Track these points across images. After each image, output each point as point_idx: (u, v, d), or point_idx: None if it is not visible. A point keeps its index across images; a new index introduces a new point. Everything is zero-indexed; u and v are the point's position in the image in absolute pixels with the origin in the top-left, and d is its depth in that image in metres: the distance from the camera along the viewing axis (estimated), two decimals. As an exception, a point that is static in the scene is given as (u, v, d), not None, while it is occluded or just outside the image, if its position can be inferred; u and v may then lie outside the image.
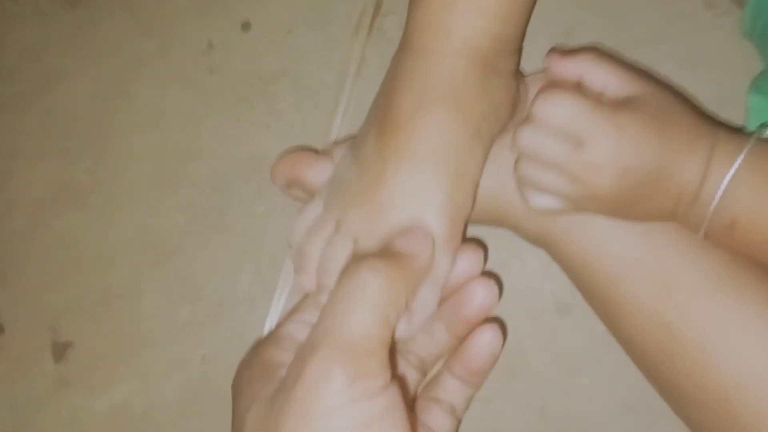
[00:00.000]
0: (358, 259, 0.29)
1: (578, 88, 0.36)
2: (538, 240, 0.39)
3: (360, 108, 0.46)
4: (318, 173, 0.39)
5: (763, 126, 0.36)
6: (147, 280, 0.47)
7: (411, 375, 0.34)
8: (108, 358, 0.46)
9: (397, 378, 0.29)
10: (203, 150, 0.48)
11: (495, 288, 0.33)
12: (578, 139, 0.33)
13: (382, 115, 0.35)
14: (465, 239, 0.34)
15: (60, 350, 0.47)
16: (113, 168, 0.49)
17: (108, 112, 0.50)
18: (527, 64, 0.41)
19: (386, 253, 0.30)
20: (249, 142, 0.48)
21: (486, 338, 0.33)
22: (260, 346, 0.37)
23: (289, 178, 0.40)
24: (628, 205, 0.34)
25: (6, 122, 0.51)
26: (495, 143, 0.37)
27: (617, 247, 0.36)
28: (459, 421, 0.34)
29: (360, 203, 0.34)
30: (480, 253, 0.33)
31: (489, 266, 0.44)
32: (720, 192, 0.33)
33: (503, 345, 0.34)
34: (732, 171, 0.32)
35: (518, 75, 0.38)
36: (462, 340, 0.34)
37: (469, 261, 0.33)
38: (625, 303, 0.36)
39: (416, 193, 0.33)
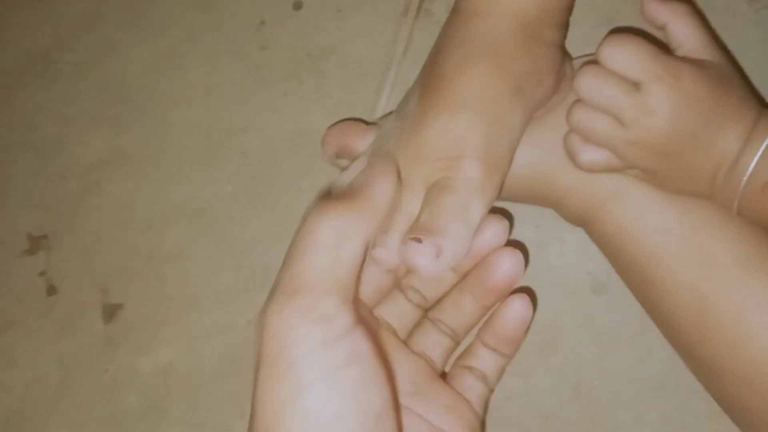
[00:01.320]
0: (312, 204, 0.28)
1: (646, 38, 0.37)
2: (578, 217, 0.40)
3: (406, 86, 0.47)
4: (367, 143, 0.40)
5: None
6: (194, 246, 0.48)
7: (443, 343, 0.35)
8: (155, 320, 0.48)
9: (368, 323, 0.28)
10: (252, 123, 0.50)
11: (521, 257, 0.33)
12: (637, 83, 0.34)
13: (426, 72, 0.37)
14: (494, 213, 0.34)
15: (110, 311, 0.49)
16: (164, 137, 0.50)
17: (161, 83, 0.51)
18: (571, 50, 0.42)
19: (342, 193, 0.29)
20: (296, 117, 0.49)
21: (515, 307, 0.33)
22: None
23: (338, 148, 0.41)
24: (672, 161, 0.35)
25: (62, 90, 0.52)
26: (539, 121, 0.38)
27: (656, 222, 0.37)
28: (491, 391, 0.35)
29: (400, 153, 0.35)
30: (505, 223, 0.33)
31: (528, 245, 0.45)
32: (758, 155, 0.34)
33: (533, 315, 0.34)
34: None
35: (566, 52, 0.39)
36: (489, 309, 0.34)
37: (494, 231, 0.33)
38: (662, 277, 0.37)
39: (453, 136, 0.33)
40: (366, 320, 0.27)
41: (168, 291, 0.48)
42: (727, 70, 0.36)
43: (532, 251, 0.45)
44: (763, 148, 0.34)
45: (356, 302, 0.26)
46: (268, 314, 0.25)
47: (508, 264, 0.33)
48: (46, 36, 0.53)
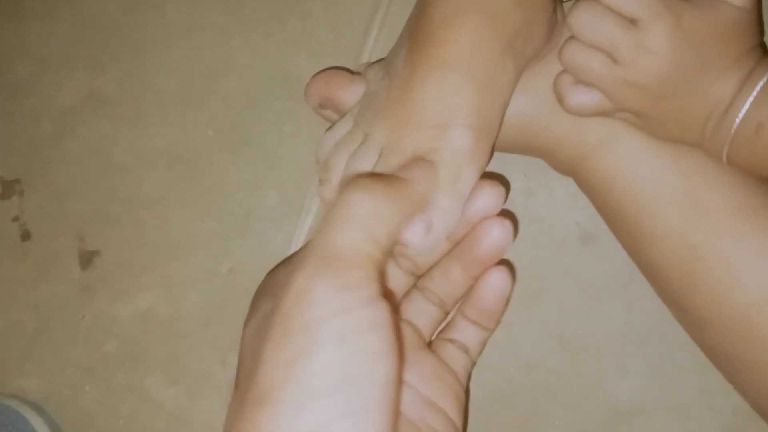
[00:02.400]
0: (353, 178, 0.29)
1: None
2: (568, 166, 0.39)
3: (394, 30, 0.46)
4: (352, 94, 0.38)
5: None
6: (174, 192, 0.47)
7: (431, 312, 0.34)
8: (134, 267, 0.47)
9: (392, 300, 0.29)
10: (233, 65, 0.48)
11: (510, 227, 0.32)
12: (633, 19, 0.33)
13: (413, 27, 0.35)
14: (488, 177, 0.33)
15: (86, 258, 0.47)
16: (142, 79, 0.48)
17: (139, 23, 0.49)
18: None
19: (384, 176, 0.30)
20: (280, 59, 0.48)
21: (494, 280, 0.33)
22: (277, 266, 0.38)
23: (322, 98, 0.40)
24: (665, 104, 0.34)
25: (35, 28, 0.50)
26: (530, 69, 0.37)
27: (647, 170, 0.36)
28: (473, 363, 0.34)
29: (387, 115, 0.34)
30: (500, 190, 0.32)
31: (517, 194, 0.44)
32: (752, 97, 0.33)
33: (513, 287, 0.33)
34: (763, 80, 0.33)
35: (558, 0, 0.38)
36: (477, 279, 0.33)
37: (488, 197, 0.32)
38: (651, 226, 0.37)
39: (443, 101, 0.32)
40: (388, 295, 0.27)
41: (147, 237, 0.47)
42: (744, 17, 0.34)
43: (520, 201, 0.44)
44: (756, 90, 0.33)
45: (382, 279, 0.26)
46: (298, 274, 0.25)
47: (495, 234, 0.32)
48: (18, -29, 0.51)
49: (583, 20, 0.34)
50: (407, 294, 0.35)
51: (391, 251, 0.28)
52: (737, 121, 0.34)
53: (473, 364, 0.34)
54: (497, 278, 0.32)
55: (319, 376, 0.23)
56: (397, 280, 0.34)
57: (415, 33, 0.35)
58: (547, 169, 0.41)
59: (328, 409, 0.23)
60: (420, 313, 0.34)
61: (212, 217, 0.47)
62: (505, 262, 0.33)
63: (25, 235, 0.48)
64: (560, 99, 0.36)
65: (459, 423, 0.32)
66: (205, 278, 0.46)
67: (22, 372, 0.47)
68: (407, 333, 0.33)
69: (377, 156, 0.34)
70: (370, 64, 0.42)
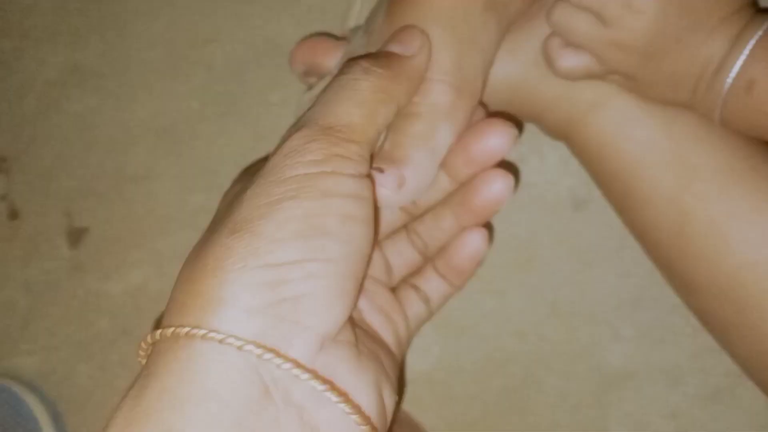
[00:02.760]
0: (352, 59, 0.29)
1: None
2: (559, 130, 0.38)
3: (380, -6, 0.45)
4: (337, 60, 0.38)
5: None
6: (160, 165, 0.47)
7: (411, 256, 0.34)
8: (123, 242, 0.47)
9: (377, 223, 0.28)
10: (217, 34, 0.47)
11: (511, 182, 0.31)
12: None
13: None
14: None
15: (75, 235, 0.47)
16: (126, 51, 0.48)
17: (119, -7, 0.48)
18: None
19: (380, 54, 0.30)
20: (264, 26, 0.47)
21: (471, 239, 0.32)
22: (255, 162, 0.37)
23: (307, 65, 0.39)
24: (654, 64, 0.34)
25: (16, 2, 0.49)
26: (518, 31, 0.36)
27: (637, 133, 0.36)
28: (431, 314, 0.34)
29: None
30: (513, 132, 0.31)
31: (506, 160, 0.44)
32: (743, 54, 0.32)
33: (489, 248, 0.33)
34: (755, 38, 0.32)
35: None
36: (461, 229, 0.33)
37: (500, 136, 0.31)
38: (643, 190, 0.36)
39: None
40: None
41: (135, 213, 0.47)
42: None
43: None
44: (747, 49, 0.32)
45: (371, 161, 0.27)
46: (293, 135, 0.26)
47: (496, 187, 0.31)
48: (-7, -58, 0.49)
49: None
50: (395, 231, 0.34)
51: (384, 131, 0.28)
52: (729, 80, 0.33)
53: (430, 315, 0.34)
54: (475, 238, 0.32)
55: (297, 219, 0.24)
56: (391, 216, 0.34)
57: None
58: (538, 135, 0.40)
59: (299, 249, 0.23)
60: (398, 254, 0.34)
61: (200, 191, 0.46)
62: (487, 226, 0.32)
63: (13, 214, 0.48)
64: (549, 62, 0.36)
65: (391, 355, 0.31)
66: (196, 252, 0.46)
67: (16, 350, 0.47)
68: (379, 266, 0.33)
69: None
70: (355, 29, 0.41)
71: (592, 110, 0.37)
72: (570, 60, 0.35)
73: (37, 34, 0.49)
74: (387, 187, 0.29)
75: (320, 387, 0.23)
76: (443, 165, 0.32)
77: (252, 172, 0.29)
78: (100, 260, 0.47)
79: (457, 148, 0.31)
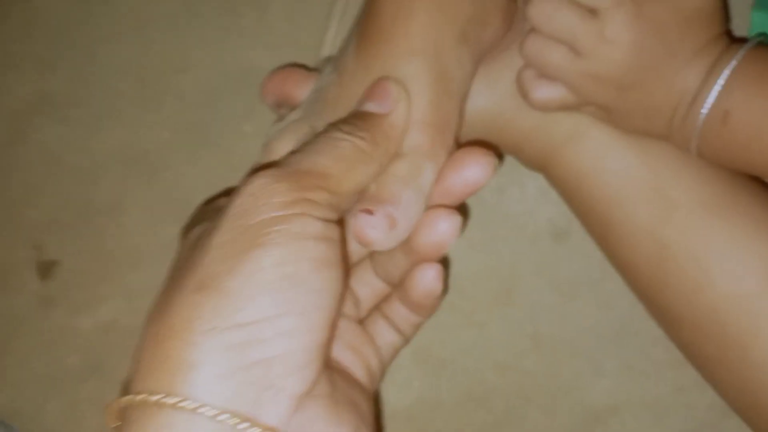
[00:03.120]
0: (331, 124, 0.28)
1: None
2: (536, 162, 0.38)
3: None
4: (308, 91, 0.37)
5: (762, 35, 0.35)
6: (131, 197, 0.46)
7: (377, 285, 0.33)
8: (93, 276, 0.45)
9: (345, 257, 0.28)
10: (189, 61, 0.46)
11: (458, 224, 0.30)
12: (593, 9, 0.32)
13: (362, 21, 0.33)
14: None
15: (44, 268, 0.46)
16: (94, 78, 0.46)
17: (88, 19, 0.47)
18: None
19: (357, 116, 0.29)
20: (237, 54, 0.46)
21: (425, 278, 0.30)
22: (212, 198, 0.37)
23: (279, 96, 0.38)
24: (629, 95, 0.33)
25: (-21, 28, 0.48)
26: (493, 62, 0.36)
27: (615, 165, 0.35)
28: (406, 341, 0.33)
29: (335, 110, 0.32)
30: (493, 161, 0.30)
31: (488, 190, 0.43)
32: (717, 86, 0.32)
33: (446, 289, 0.32)
34: (730, 68, 0.32)
35: None
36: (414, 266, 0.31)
37: (479, 167, 0.30)
38: (622, 222, 0.36)
39: None
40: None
41: (106, 245, 0.45)
42: (708, 5, 0.33)
43: (491, 197, 0.43)
44: (722, 79, 0.32)
45: (341, 222, 0.27)
46: (259, 175, 0.25)
47: (442, 227, 0.30)
48: (-44, -32, 0.48)
49: (541, 11, 0.33)
50: (359, 261, 0.33)
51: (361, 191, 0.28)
52: (704, 111, 0.33)
53: (405, 342, 0.33)
54: (428, 276, 0.30)
55: (267, 271, 0.23)
56: (355, 247, 0.32)
57: (364, 28, 0.33)
58: (517, 165, 0.39)
59: (270, 305, 0.23)
60: (364, 284, 0.33)
61: (171, 223, 0.45)
62: (443, 260, 0.31)
63: (-20, 247, 0.46)
64: (524, 94, 0.35)
65: (365, 393, 0.30)
66: (168, 286, 0.45)
67: (-17, 387, 0.46)
68: (346, 300, 0.32)
69: None
70: (328, 59, 0.40)
71: (568, 142, 0.36)
72: (544, 91, 0.34)
73: (2, 62, 0.48)
74: (377, 229, 0.28)
75: None
76: None
77: (213, 208, 0.28)
78: (70, 294, 0.45)
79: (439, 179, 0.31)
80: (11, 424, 0.45)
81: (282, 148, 0.33)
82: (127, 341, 0.45)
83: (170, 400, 0.22)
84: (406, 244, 0.31)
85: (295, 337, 0.23)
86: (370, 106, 0.29)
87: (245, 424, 0.22)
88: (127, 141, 0.46)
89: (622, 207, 0.36)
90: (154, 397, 0.22)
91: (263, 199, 0.24)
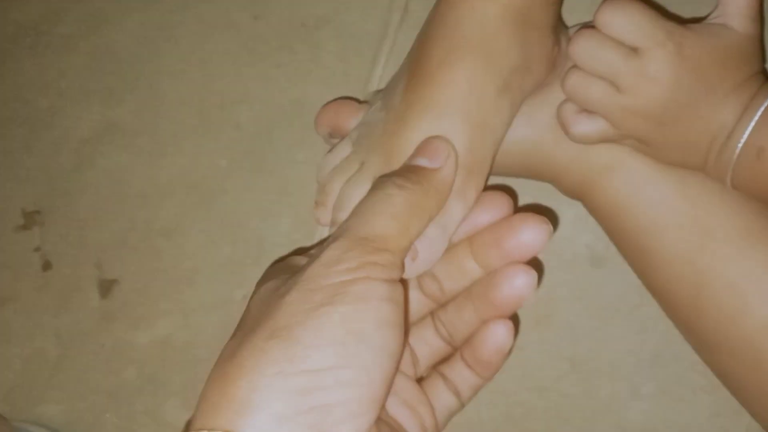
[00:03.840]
0: (385, 176, 0.30)
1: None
2: (575, 191, 0.39)
3: (401, 58, 0.46)
4: (357, 122, 0.39)
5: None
6: (189, 220, 0.48)
7: (437, 344, 0.34)
8: (151, 294, 0.48)
9: (407, 294, 0.29)
10: (246, 95, 0.49)
11: (534, 279, 0.31)
12: (634, 47, 0.34)
13: (412, 63, 0.36)
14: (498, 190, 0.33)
15: (106, 287, 0.49)
16: (157, 110, 0.50)
17: (153, 54, 0.50)
18: (570, 20, 0.41)
19: (410, 169, 0.31)
20: (291, 88, 0.49)
21: (496, 332, 0.31)
22: (283, 258, 0.38)
23: (331, 127, 0.41)
24: (667, 130, 0.35)
25: (53, 62, 0.52)
26: (534, 98, 0.37)
27: (652, 195, 0.37)
28: (462, 405, 0.33)
29: (382, 147, 0.34)
30: (548, 229, 0.31)
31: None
32: (753, 122, 0.33)
33: (515, 341, 0.32)
34: (765, 105, 0.33)
35: (559, 27, 0.38)
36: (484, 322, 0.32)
37: (534, 232, 0.31)
38: (659, 251, 0.37)
39: None
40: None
41: (163, 265, 0.48)
42: (747, 44, 0.35)
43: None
44: (757, 116, 0.33)
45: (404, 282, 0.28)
46: (330, 246, 0.27)
47: (518, 283, 0.31)
48: (36, 8, 0.52)
49: (584, 49, 0.35)
50: (420, 319, 0.34)
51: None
52: (739, 146, 0.34)
53: (461, 406, 0.33)
54: (499, 331, 0.31)
55: (334, 326, 0.25)
56: (417, 304, 0.34)
57: (413, 70, 0.35)
58: (556, 193, 0.41)
59: (334, 356, 0.24)
60: (424, 342, 0.34)
61: (227, 244, 0.48)
62: (513, 317, 0.32)
63: (47, 265, 0.49)
64: (564, 128, 0.37)
65: None
66: (221, 304, 0.47)
67: (44, 398, 0.48)
68: (405, 357, 0.33)
69: (370, 184, 0.34)
70: (377, 93, 0.42)
71: (606, 172, 0.37)
72: (584, 125, 0.36)
73: (72, 94, 0.51)
74: None
75: None
76: (475, 255, 0.32)
77: (284, 267, 0.30)
78: (128, 311, 0.48)
79: (491, 241, 0.32)
80: (68, 434, 0.47)
81: (335, 188, 0.36)
82: (182, 356, 0.47)
83: None
84: (480, 298, 0.32)
85: (354, 388, 0.24)
86: (422, 162, 0.31)
87: None
88: (188, 168, 0.49)
89: (659, 236, 0.37)
90: None
91: (333, 267, 0.26)
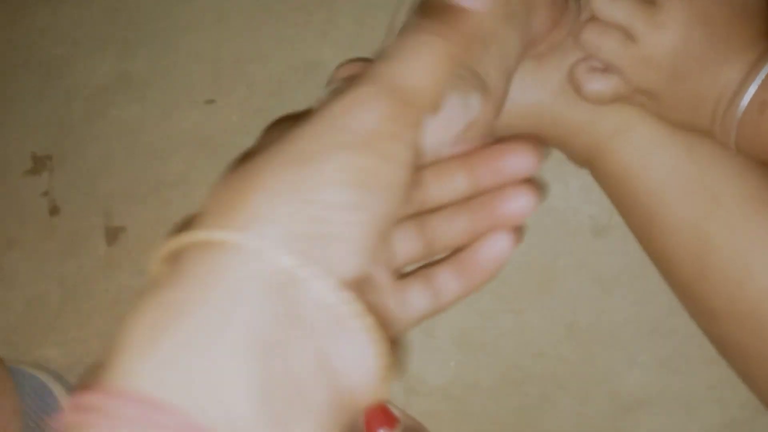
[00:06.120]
0: (418, 18, 0.29)
1: None
2: (583, 156, 0.40)
3: (417, 22, 0.47)
4: None
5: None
6: (198, 173, 0.49)
7: (415, 246, 0.33)
8: (157, 242, 0.48)
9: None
10: (260, 53, 0.49)
11: (536, 201, 0.31)
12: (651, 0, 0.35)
13: (420, 3, 0.36)
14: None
15: (112, 234, 0.49)
16: (172, 63, 0.50)
17: (170, 7, 0.51)
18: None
19: (444, 8, 0.29)
20: (306, 49, 0.49)
21: (498, 241, 0.31)
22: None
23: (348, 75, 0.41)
24: (678, 83, 0.35)
25: (68, 12, 0.52)
26: (545, 61, 0.38)
27: (660, 159, 0.37)
28: (436, 311, 0.32)
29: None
30: (539, 152, 0.31)
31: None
32: (758, 80, 0.34)
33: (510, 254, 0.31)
34: None
35: None
36: (478, 238, 0.32)
37: (529, 155, 0.31)
38: (665, 216, 0.37)
39: None
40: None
41: (171, 215, 0.48)
42: (755, 2, 0.36)
43: (534, 192, 0.45)
44: (764, 72, 0.34)
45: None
46: (361, 84, 0.26)
47: (522, 201, 0.31)
48: (55, -44, 0.52)
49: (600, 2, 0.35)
50: (404, 218, 0.33)
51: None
52: (743, 104, 0.34)
53: (435, 312, 0.32)
54: (502, 239, 0.31)
55: (354, 169, 0.24)
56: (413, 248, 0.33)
57: (421, 6, 0.36)
58: (562, 163, 0.42)
59: (346, 195, 0.24)
60: (405, 241, 0.32)
61: (234, 199, 0.48)
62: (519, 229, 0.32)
63: (54, 210, 0.50)
64: (577, 87, 0.37)
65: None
66: (226, 257, 0.48)
67: (45, 342, 0.48)
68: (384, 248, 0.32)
69: None
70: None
71: (616, 136, 0.38)
72: (598, 83, 0.36)
73: (87, 43, 0.51)
74: None
75: (347, 309, 0.23)
76: (467, 169, 0.32)
77: (291, 116, 0.30)
78: (133, 258, 0.48)
79: (486, 158, 0.32)
80: (67, 377, 0.47)
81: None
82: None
83: (232, 237, 0.22)
84: (479, 210, 0.32)
85: (358, 227, 0.24)
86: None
87: (310, 270, 0.22)
88: (199, 122, 0.49)
89: (667, 200, 0.37)
90: (216, 234, 0.22)
91: (364, 108, 0.25)
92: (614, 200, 0.40)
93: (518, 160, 0.32)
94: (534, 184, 0.32)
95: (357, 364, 0.24)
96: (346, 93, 0.26)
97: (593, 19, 0.36)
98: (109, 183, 0.49)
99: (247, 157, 0.27)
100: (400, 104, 0.26)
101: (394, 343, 0.30)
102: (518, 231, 0.31)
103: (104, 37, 0.51)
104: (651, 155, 0.37)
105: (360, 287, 0.27)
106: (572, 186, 0.45)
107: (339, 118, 0.25)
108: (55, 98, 0.51)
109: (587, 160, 0.40)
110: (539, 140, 0.38)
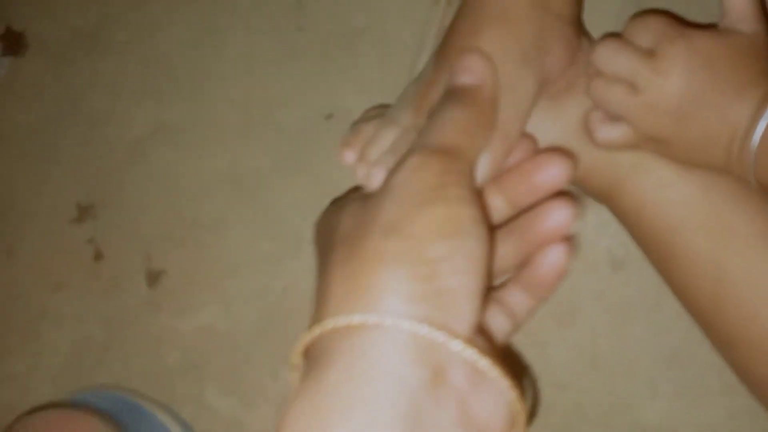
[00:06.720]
0: (439, 103, 0.32)
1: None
2: (601, 193, 0.41)
3: (437, 66, 0.49)
4: None
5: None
6: (233, 215, 0.51)
7: None
8: (196, 285, 0.51)
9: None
10: (288, 98, 0.52)
11: (575, 211, 0.32)
12: (650, 50, 0.36)
13: (442, 41, 0.38)
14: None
15: (153, 276, 0.52)
16: (205, 111, 0.53)
17: (202, 59, 0.53)
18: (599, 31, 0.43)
19: (456, 91, 0.32)
20: (331, 93, 0.51)
21: (555, 254, 0.32)
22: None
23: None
24: (686, 125, 0.36)
25: (109, 66, 0.55)
26: (561, 103, 0.39)
27: (676, 195, 0.38)
28: (517, 328, 0.34)
29: (412, 105, 0.37)
30: (571, 163, 0.33)
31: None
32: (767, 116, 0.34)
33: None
34: None
35: (581, 26, 0.40)
36: (527, 258, 0.33)
37: (558, 168, 0.33)
38: (682, 250, 0.38)
39: None
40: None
41: (208, 257, 0.51)
42: (757, 41, 0.37)
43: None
44: None
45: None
46: (412, 155, 0.28)
47: (563, 213, 0.32)
48: (94, 14, 0.55)
49: (604, 54, 0.37)
50: None
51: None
52: (755, 138, 0.35)
53: (516, 329, 0.34)
54: (557, 252, 0.32)
55: (439, 221, 0.26)
56: None
57: (442, 43, 0.38)
58: (578, 198, 0.43)
59: (445, 247, 0.26)
60: None
61: (268, 239, 0.51)
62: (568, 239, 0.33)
63: (98, 256, 0.53)
64: (590, 134, 0.39)
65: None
66: (261, 296, 0.50)
67: (92, 380, 0.51)
68: None
69: (401, 131, 0.37)
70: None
71: (631, 174, 0.39)
72: (608, 131, 0.38)
73: (126, 95, 0.54)
74: None
75: (484, 363, 0.24)
76: (503, 192, 0.34)
77: (346, 199, 0.32)
78: (174, 300, 0.51)
79: (518, 177, 0.34)
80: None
81: (367, 132, 0.38)
82: (223, 343, 0.50)
83: (370, 319, 0.24)
84: (523, 230, 0.33)
85: (467, 275, 0.26)
86: (463, 78, 0.33)
87: (441, 334, 0.24)
88: (232, 166, 0.52)
89: (683, 235, 0.38)
90: (355, 318, 0.24)
91: (422, 172, 0.28)
92: (633, 235, 0.42)
93: (549, 174, 0.33)
94: (568, 195, 0.33)
95: (497, 412, 0.25)
96: (399, 167, 0.29)
97: (599, 72, 0.38)
98: (149, 227, 0.52)
99: (328, 236, 0.29)
100: (450, 160, 0.29)
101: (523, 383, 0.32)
102: (569, 239, 0.33)
103: (142, 89, 0.54)
104: (667, 192, 0.38)
105: (480, 333, 0.29)
106: (589, 220, 0.47)
107: (404, 187, 0.28)
108: (97, 148, 0.54)
109: (605, 196, 0.41)
110: (565, 151, 0.40)
